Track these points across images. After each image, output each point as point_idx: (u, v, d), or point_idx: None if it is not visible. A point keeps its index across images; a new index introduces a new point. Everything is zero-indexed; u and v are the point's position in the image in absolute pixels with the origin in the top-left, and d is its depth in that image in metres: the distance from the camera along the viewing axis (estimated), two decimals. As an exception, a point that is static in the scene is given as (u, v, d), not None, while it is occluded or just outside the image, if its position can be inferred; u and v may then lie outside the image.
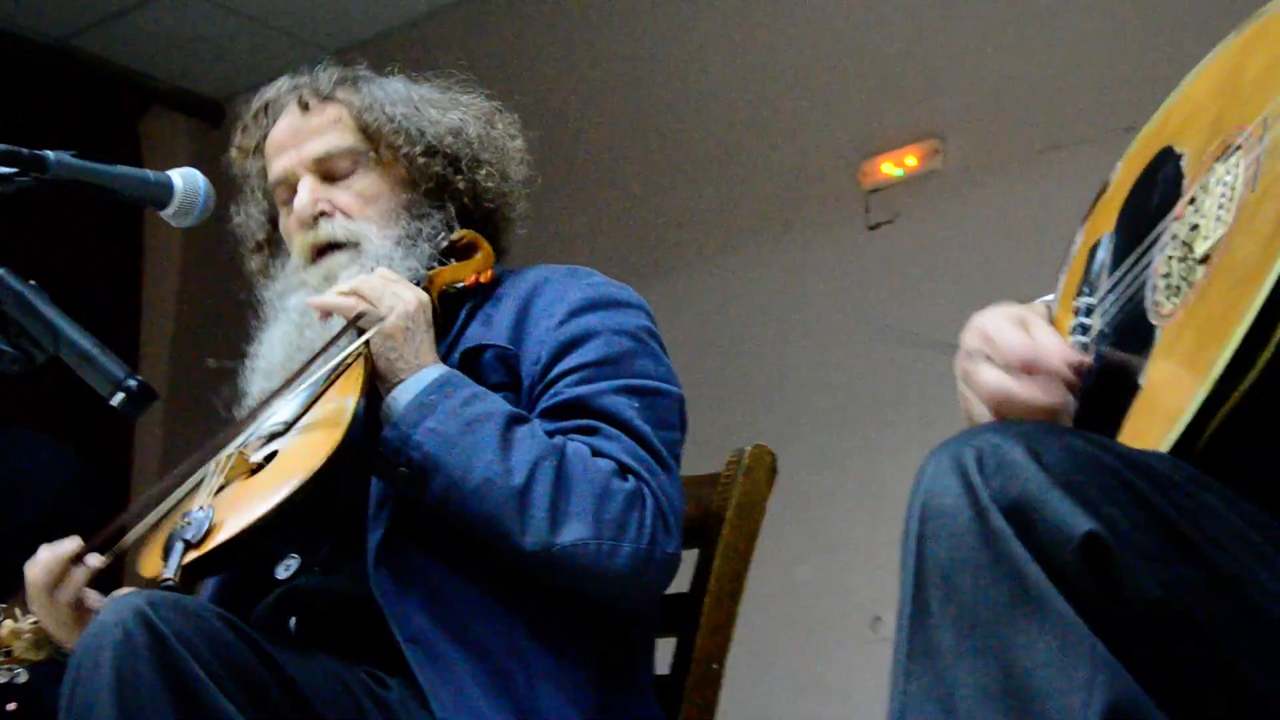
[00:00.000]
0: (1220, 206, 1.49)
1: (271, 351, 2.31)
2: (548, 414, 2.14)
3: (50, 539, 2.96)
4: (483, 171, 2.40)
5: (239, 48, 5.63)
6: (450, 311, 2.29)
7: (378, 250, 2.31)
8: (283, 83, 2.51)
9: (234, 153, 2.50)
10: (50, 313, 1.90)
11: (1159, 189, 1.62)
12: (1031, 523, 1.31)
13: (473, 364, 2.21)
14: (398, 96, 2.43)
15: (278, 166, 2.42)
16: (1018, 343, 1.58)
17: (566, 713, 2.02)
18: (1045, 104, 4.14)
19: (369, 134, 2.38)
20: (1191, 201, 1.55)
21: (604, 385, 2.15)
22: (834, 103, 4.53)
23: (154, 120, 5.94)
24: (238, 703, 1.80)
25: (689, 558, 2.25)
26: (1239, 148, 1.51)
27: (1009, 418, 1.56)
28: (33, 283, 1.92)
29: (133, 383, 1.86)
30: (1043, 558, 1.31)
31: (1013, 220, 4.02)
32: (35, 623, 2.36)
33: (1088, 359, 1.58)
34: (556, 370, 2.18)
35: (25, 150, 1.93)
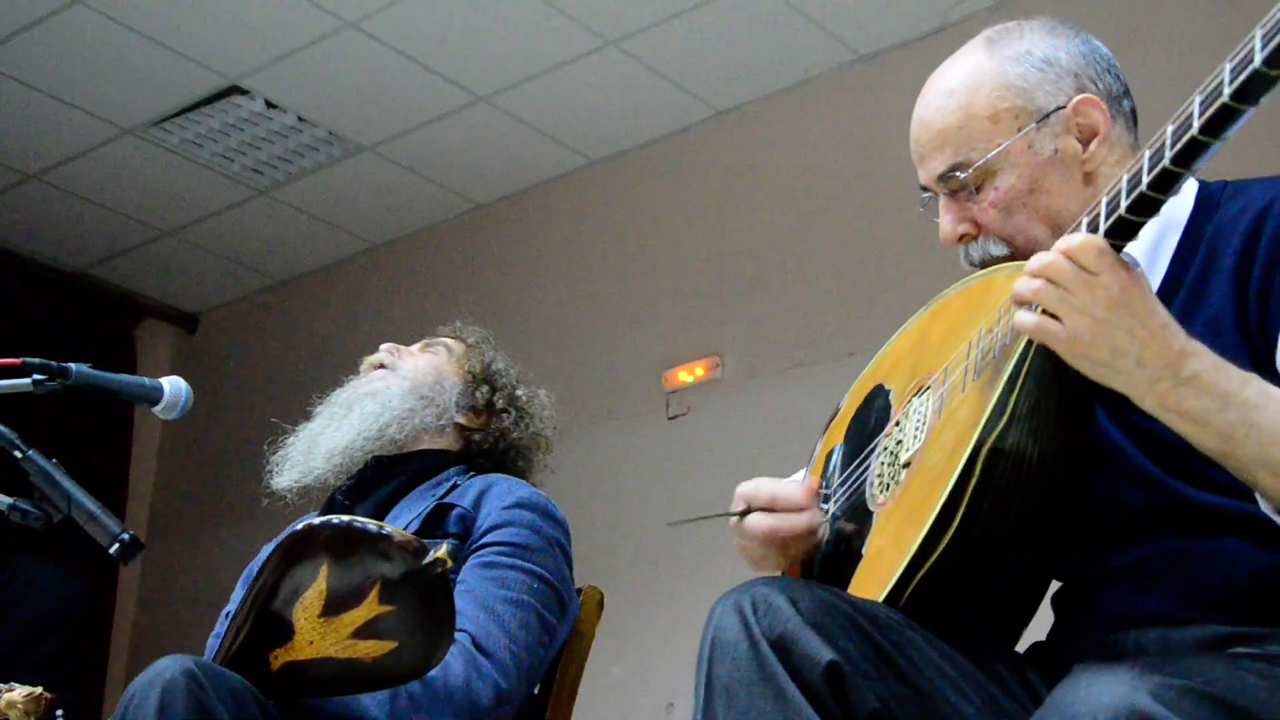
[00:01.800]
0: (917, 427, 1.52)
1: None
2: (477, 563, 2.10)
3: (57, 633, 2.91)
4: (507, 415, 2.41)
5: (211, 275, 5.58)
6: (440, 477, 2.26)
7: (401, 377, 2.34)
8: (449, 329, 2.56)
9: None
10: (66, 483, 1.87)
11: (874, 414, 1.64)
12: (790, 652, 1.33)
13: (442, 516, 2.15)
14: (499, 362, 2.49)
15: None
16: (765, 491, 1.61)
17: None
18: (792, 332, 4.18)
19: (470, 345, 2.47)
20: (897, 424, 1.57)
21: (517, 564, 2.09)
22: (643, 325, 4.54)
23: (146, 328, 5.83)
24: None
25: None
26: (929, 388, 1.54)
27: (774, 549, 1.59)
28: (54, 460, 1.90)
29: (126, 536, 1.83)
30: (798, 678, 1.32)
31: (772, 417, 4.04)
32: (28, 695, 2.29)
33: (816, 481, 1.61)
34: (490, 538, 2.12)
35: (55, 363, 1.93)
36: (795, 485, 1.63)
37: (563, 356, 4.57)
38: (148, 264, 5.50)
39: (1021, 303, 1.34)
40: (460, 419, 2.35)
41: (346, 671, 1.78)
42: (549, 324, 4.71)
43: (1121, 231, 1.28)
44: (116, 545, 1.83)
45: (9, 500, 1.87)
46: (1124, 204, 1.27)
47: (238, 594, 2.38)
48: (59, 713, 2.25)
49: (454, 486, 2.22)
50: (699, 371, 4.37)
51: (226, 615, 2.32)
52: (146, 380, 2.03)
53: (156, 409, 2.03)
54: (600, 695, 3.94)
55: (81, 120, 4.59)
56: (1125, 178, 1.27)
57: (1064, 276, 1.29)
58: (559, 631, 2.14)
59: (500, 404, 2.39)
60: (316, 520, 1.81)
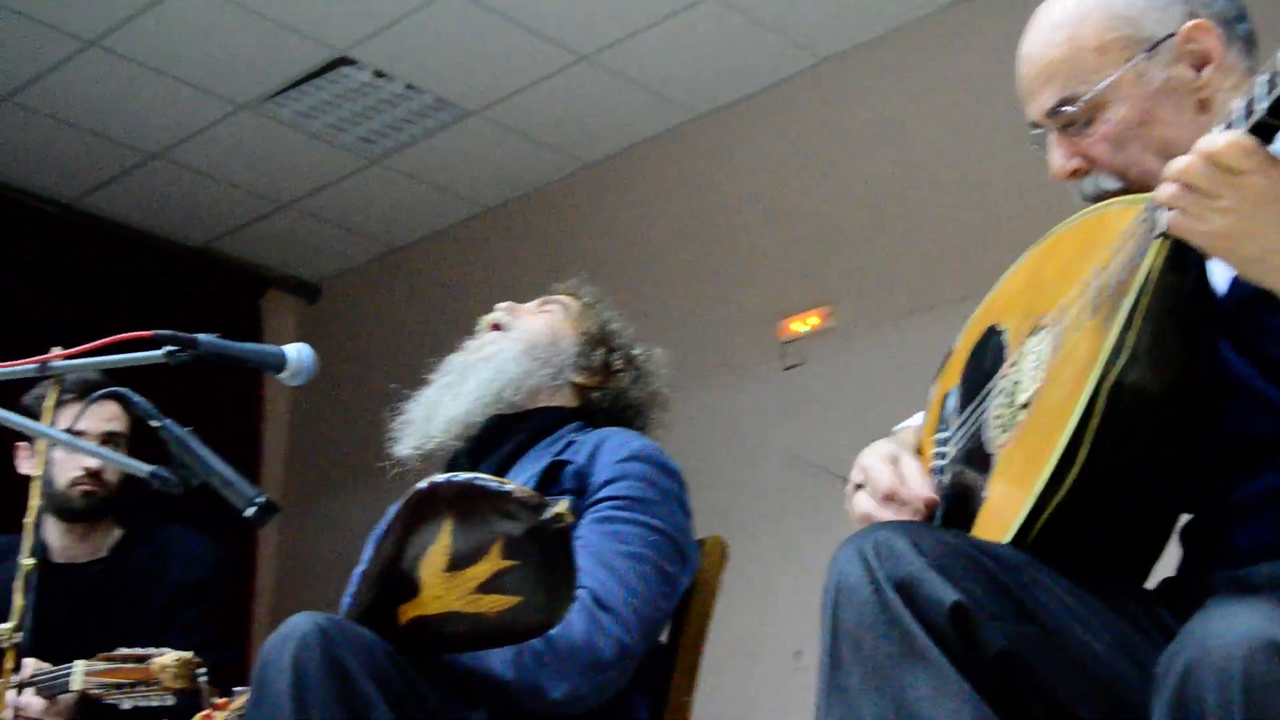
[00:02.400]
0: (1035, 367, 1.49)
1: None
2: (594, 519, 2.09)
3: (203, 599, 3.03)
4: (624, 375, 2.40)
5: (329, 244, 5.68)
6: (558, 434, 2.26)
7: (514, 338, 2.33)
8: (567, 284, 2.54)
9: None
10: (202, 450, 1.92)
11: (989, 355, 1.62)
12: (914, 595, 1.32)
13: (557, 473, 2.15)
14: (613, 320, 2.48)
15: None
16: (885, 479, 1.59)
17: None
18: (905, 278, 4.13)
19: (586, 303, 2.45)
20: (1013, 364, 1.55)
21: (633, 517, 2.07)
22: (756, 277, 4.52)
23: (270, 301, 5.95)
24: (379, 693, 1.75)
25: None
26: (1044, 327, 1.52)
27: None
28: (190, 428, 1.95)
29: (260, 499, 1.87)
30: (923, 621, 1.32)
31: (887, 364, 4.00)
32: (177, 659, 2.39)
33: (936, 498, 1.57)
34: (604, 493, 2.10)
35: (184, 334, 1.97)
36: (917, 479, 1.59)
37: (676, 311, 4.57)
38: (268, 236, 5.62)
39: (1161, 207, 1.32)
40: (577, 378, 2.34)
41: (472, 626, 1.80)
42: (661, 279, 4.71)
43: (1261, 134, 1.25)
44: (252, 509, 1.86)
45: (149, 468, 1.93)
46: (1262, 107, 1.22)
47: (368, 553, 2.37)
48: (202, 676, 2.35)
49: (570, 443, 2.21)
50: (813, 321, 4.34)
51: (359, 575, 2.37)
52: (271, 348, 2.07)
53: (282, 375, 2.05)
54: (728, 646, 3.97)
55: (197, 99, 4.70)
56: (1262, 79, 1.23)
57: (1202, 179, 1.26)
58: (680, 583, 2.13)
59: (617, 364, 2.38)
60: (440, 479, 1.81)
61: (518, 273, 4.95)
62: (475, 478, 1.79)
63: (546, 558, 1.75)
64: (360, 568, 2.33)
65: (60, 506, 3.02)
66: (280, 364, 2.05)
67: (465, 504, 1.78)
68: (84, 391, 2.72)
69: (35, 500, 2.12)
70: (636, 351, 2.41)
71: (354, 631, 1.80)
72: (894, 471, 1.59)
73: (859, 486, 1.62)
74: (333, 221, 5.51)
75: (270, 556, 5.70)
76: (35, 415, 2.56)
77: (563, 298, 2.47)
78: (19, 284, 5.15)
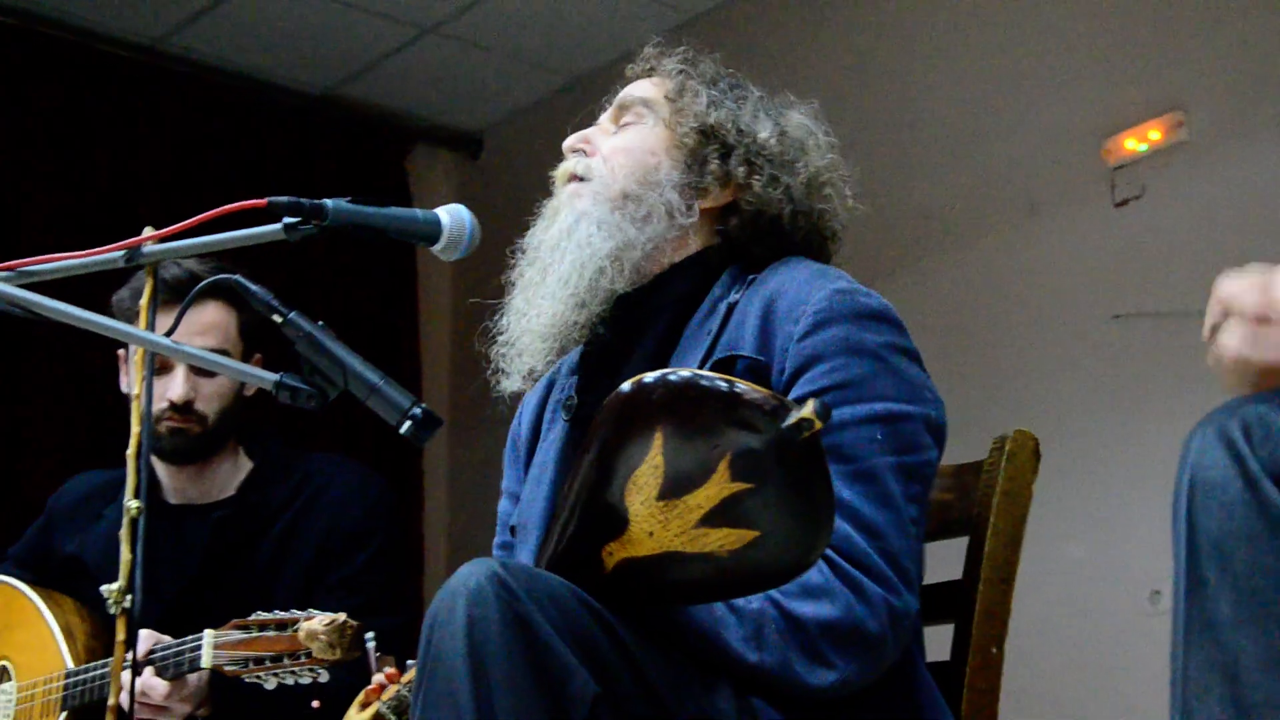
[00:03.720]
0: None
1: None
2: None
3: (361, 548, 3.08)
4: (757, 175, 2.25)
5: (494, 82, 5.74)
6: (709, 298, 2.21)
7: (596, 191, 2.26)
8: (646, 56, 2.43)
9: None
10: (339, 350, 1.95)
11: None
12: (1304, 488, 1.30)
13: (729, 370, 2.07)
14: (726, 87, 2.34)
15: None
16: (1251, 298, 1.55)
17: (857, 713, 1.96)
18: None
19: (669, 97, 2.32)
20: None
21: (845, 414, 2.00)
22: (1073, 81, 4.46)
23: (418, 157, 6.09)
24: (577, 657, 1.77)
25: (958, 545, 2.23)
26: None
27: (1252, 380, 1.52)
28: (321, 323, 1.99)
29: (418, 411, 1.90)
30: (1319, 523, 1.29)
31: (1262, 189, 3.90)
32: (329, 623, 2.45)
33: None
34: (799, 390, 2.04)
35: (306, 200, 1.99)
36: None
37: (973, 136, 4.60)
38: (411, 73, 5.71)
39: None
40: (701, 203, 2.27)
41: (697, 569, 1.80)
42: (954, 96, 4.72)
43: None
44: (409, 423, 1.90)
45: (273, 376, 1.95)
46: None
47: (509, 473, 2.43)
48: (370, 642, 2.38)
49: (728, 311, 2.17)
50: (1154, 135, 4.27)
51: (507, 494, 2.41)
52: (420, 212, 2.07)
53: (436, 248, 2.07)
54: (1055, 582, 3.95)
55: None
56: None
57: None
58: (931, 472, 2.09)
59: (738, 168, 2.26)
60: (649, 378, 1.79)
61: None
62: (697, 375, 1.77)
63: (792, 477, 1.74)
64: (505, 503, 2.38)
65: (154, 446, 3.02)
66: (434, 232, 2.07)
67: (682, 409, 1.76)
68: (180, 289, 2.74)
69: (137, 425, 2.18)
70: (762, 134, 2.28)
71: (540, 579, 1.81)
72: (1265, 290, 1.55)
73: (1216, 329, 1.57)
74: (495, 49, 5.57)
75: (439, 485, 5.86)
76: (130, 318, 2.67)
77: (642, 92, 2.35)
78: (99, 144, 5.31)
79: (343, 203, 2.01)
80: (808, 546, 1.78)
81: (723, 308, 2.19)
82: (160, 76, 5.55)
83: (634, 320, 2.24)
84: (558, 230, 2.29)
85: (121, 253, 2.00)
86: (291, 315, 1.98)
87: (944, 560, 2.27)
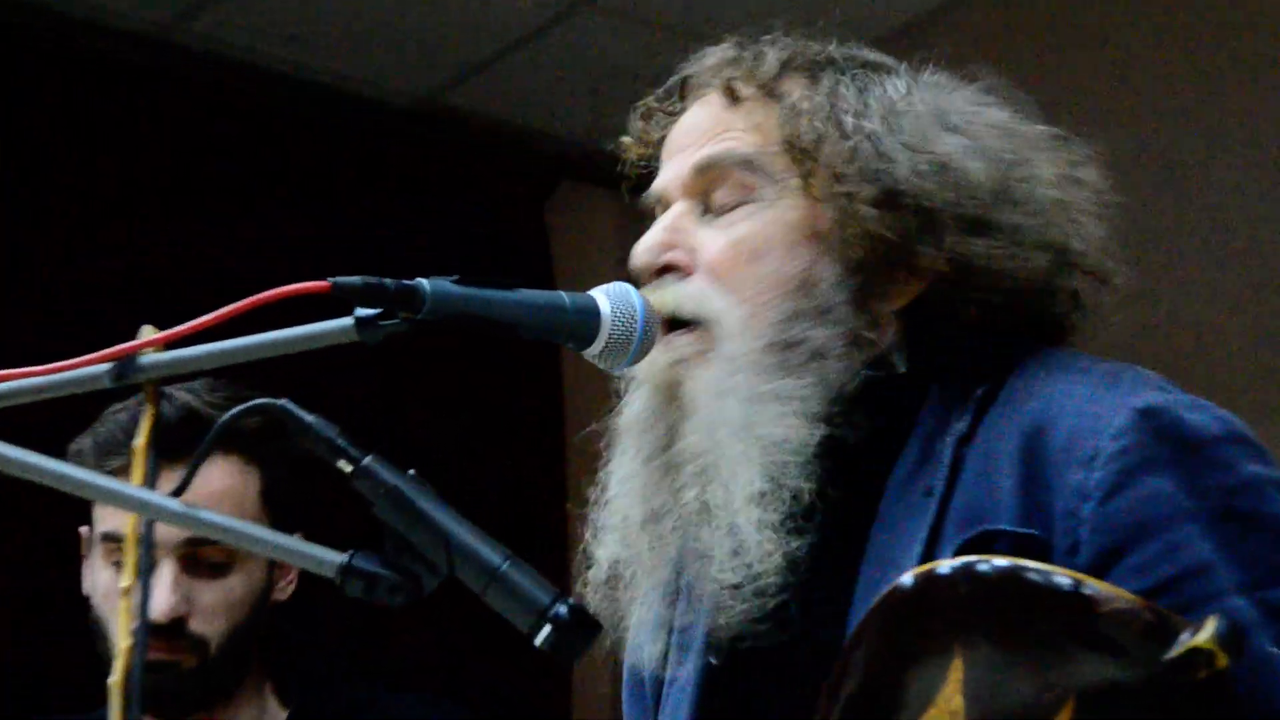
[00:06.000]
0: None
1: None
2: None
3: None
4: (983, 240, 2.07)
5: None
6: (917, 433, 2.07)
7: (734, 353, 2.07)
8: (715, 54, 2.22)
9: (628, 144, 2.27)
10: (438, 514, 1.83)
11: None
12: None
13: (986, 548, 1.94)
14: (874, 98, 2.12)
15: (660, 179, 2.20)
16: None
17: None
18: None
19: (795, 149, 2.10)
20: None
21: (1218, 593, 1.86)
22: None
23: (561, 197, 6.09)
24: None
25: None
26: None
27: None
28: (412, 472, 1.86)
29: (562, 609, 1.78)
30: None
31: None
32: None
33: None
34: (1114, 577, 1.87)
35: (391, 283, 1.90)
36: None
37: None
38: (541, 72, 5.70)
39: None
40: (890, 305, 2.10)
41: None
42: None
43: None
44: (547, 629, 1.78)
45: (339, 558, 1.81)
46: None
47: (629, 712, 2.38)
48: None
49: (959, 457, 2.01)
50: None
51: None
52: (567, 297, 2.03)
53: (591, 352, 2.05)
54: None
55: None
56: None
57: None
58: None
59: (947, 237, 2.05)
60: (942, 568, 1.78)
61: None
62: (1020, 567, 1.73)
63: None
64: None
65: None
66: (587, 328, 2.04)
67: (998, 618, 1.76)
68: (177, 434, 2.52)
69: (124, 641, 1.97)
70: (976, 170, 2.06)
71: None
72: None
73: None
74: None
75: (597, 692, 5.64)
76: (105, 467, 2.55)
77: (739, 139, 2.14)
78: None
79: (447, 284, 1.94)
80: None
81: (947, 450, 2.04)
82: (165, 72, 5.61)
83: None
84: (697, 419, 2.10)
85: (108, 366, 1.87)
86: (366, 461, 1.84)
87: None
